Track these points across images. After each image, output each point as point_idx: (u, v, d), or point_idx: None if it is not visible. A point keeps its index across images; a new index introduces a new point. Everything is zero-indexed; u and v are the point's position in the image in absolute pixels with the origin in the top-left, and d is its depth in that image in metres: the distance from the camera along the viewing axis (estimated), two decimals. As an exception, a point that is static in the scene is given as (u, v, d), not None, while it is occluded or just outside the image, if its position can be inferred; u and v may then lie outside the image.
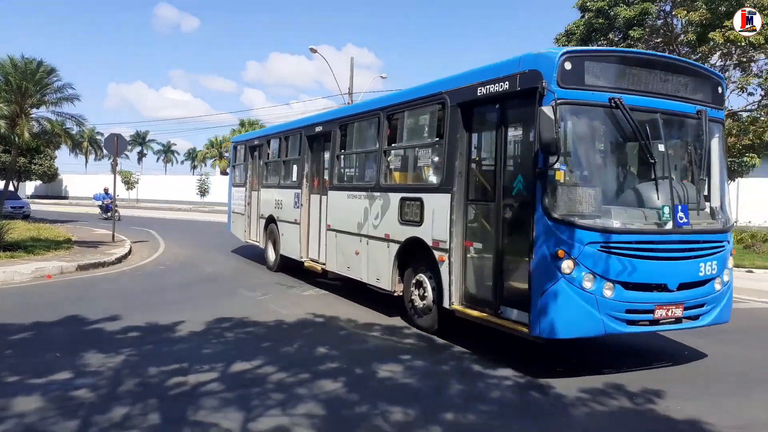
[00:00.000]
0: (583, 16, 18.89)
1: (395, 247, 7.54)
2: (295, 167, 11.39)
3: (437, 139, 7.07)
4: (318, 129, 10.11)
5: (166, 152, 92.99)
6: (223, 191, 53.99)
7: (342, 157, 9.48)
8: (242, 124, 76.45)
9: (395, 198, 7.58)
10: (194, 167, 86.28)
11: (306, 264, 10.37)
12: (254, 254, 14.13)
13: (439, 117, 7.03)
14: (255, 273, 12.01)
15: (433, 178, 7.22)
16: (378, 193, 7.99)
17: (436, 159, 7.17)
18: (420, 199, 7.05)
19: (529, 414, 4.70)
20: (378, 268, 8.01)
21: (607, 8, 17.54)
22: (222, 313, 7.84)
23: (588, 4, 18.34)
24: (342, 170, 9.67)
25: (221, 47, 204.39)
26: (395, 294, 7.67)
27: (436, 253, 6.65)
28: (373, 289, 8.31)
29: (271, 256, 12.20)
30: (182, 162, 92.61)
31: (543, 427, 4.40)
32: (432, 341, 6.83)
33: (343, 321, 7.69)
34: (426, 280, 7.01)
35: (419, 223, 7.02)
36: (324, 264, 9.61)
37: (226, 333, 6.90)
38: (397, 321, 7.77)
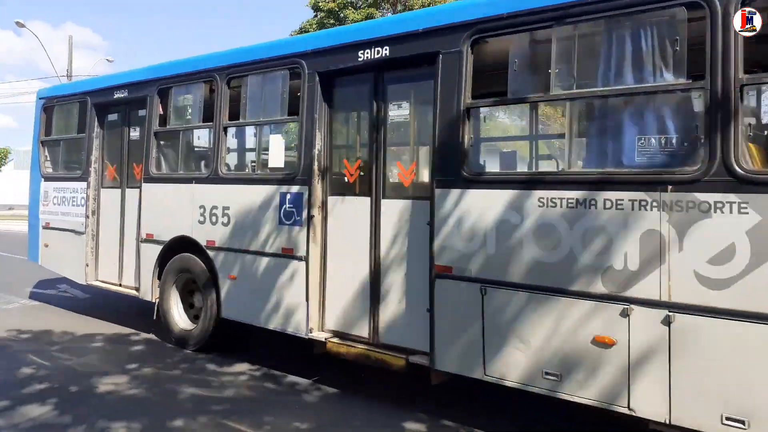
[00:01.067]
0: (315, 15, 19.76)
1: None
2: (275, 138, 5.74)
3: None
4: (379, 53, 4.66)
5: None
6: None
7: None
8: (-75, 108, 63.21)
9: None
10: None
11: (330, 345, 5.01)
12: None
13: None
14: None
15: None
16: None
17: None
18: None
19: (262, 405, 4.67)
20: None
21: (337, 10, 18.64)
22: None
23: (320, 4, 19.24)
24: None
25: None
26: None
27: None
28: None
29: (185, 321, 6.42)
30: None
31: (276, 416, 4.43)
32: (162, 345, 6.39)
33: (58, 334, 6.74)
34: None
35: None
36: (427, 355, 4.38)
37: None
38: (123, 329, 7.06)
